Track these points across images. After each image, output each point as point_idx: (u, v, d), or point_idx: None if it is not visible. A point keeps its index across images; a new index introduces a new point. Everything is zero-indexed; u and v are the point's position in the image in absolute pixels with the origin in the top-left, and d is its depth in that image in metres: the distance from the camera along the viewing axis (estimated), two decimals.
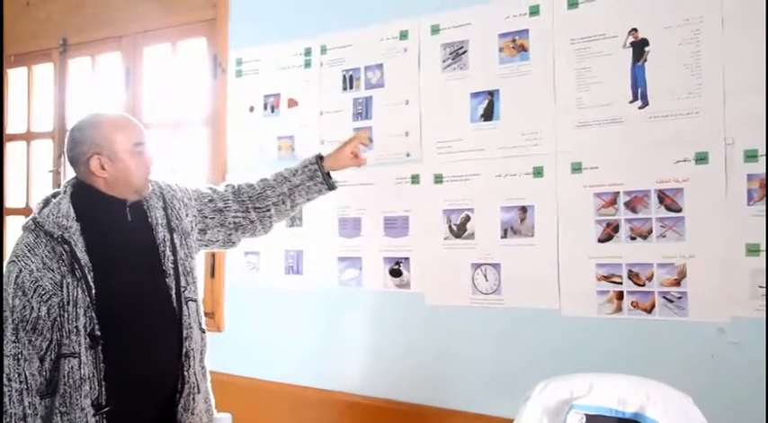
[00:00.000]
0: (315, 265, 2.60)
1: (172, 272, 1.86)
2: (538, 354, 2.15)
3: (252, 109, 2.78)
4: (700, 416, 1.50)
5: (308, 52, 2.64)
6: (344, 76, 2.55)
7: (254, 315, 2.76)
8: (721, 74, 1.91)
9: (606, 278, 2.05)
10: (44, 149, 3.54)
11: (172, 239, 1.90)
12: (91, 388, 1.69)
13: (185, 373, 1.86)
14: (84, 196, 1.80)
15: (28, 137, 3.61)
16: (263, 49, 2.76)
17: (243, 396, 2.62)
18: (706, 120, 1.92)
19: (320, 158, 2.08)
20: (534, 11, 2.19)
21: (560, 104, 2.14)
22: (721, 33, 1.91)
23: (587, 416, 1.56)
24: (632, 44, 2.04)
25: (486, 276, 2.25)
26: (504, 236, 2.22)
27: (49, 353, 1.68)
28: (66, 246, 1.69)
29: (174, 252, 1.89)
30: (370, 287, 2.47)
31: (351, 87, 2.53)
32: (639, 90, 2.02)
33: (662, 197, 1.98)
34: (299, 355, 2.61)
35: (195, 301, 1.94)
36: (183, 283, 1.88)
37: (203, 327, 1.97)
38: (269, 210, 2.07)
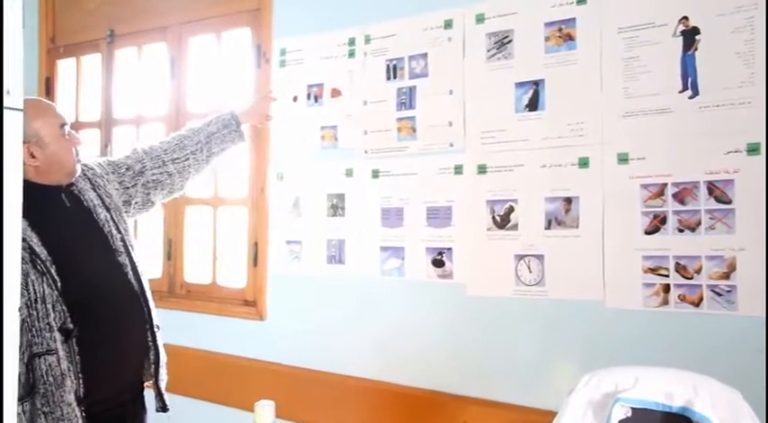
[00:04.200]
0: (357, 255, 2.61)
1: (123, 249, 1.91)
2: (582, 346, 2.13)
3: (295, 99, 2.78)
4: (749, 411, 1.47)
5: (351, 42, 2.64)
6: (388, 66, 2.54)
7: (297, 304, 2.77)
8: None
9: (652, 270, 2.02)
10: (92, 138, 3.60)
11: (112, 218, 1.94)
12: (71, 382, 1.69)
13: (158, 343, 1.96)
14: None
15: (76, 126, 3.65)
16: (307, 39, 2.76)
17: (285, 384, 2.65)
18: (758, 110, 1.87)
19: (234, 111, 2.28)
20: None
21: (607, 94, 2.11)
22: None
23: (633, 409, 1.54)
24: (682, 32, 1.99)
25: (529, 268, 2.23)
26: (549, 227, 2.20)
27: (21, 358, 1.61)
28: (23, 243, 1.63)
29: (118, 229, 1.93)
30: (412, 277, 2.46)
31: (394, 77, 2.53)
32: (689, 79, 1.98)
33: (711, 188, 1.94)
34: (340, 344, 2.62)
35: (144, 273, 2.00)
36: (135, 258, 1.94)
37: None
38: (187, 159, 2.14)
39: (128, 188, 2.05)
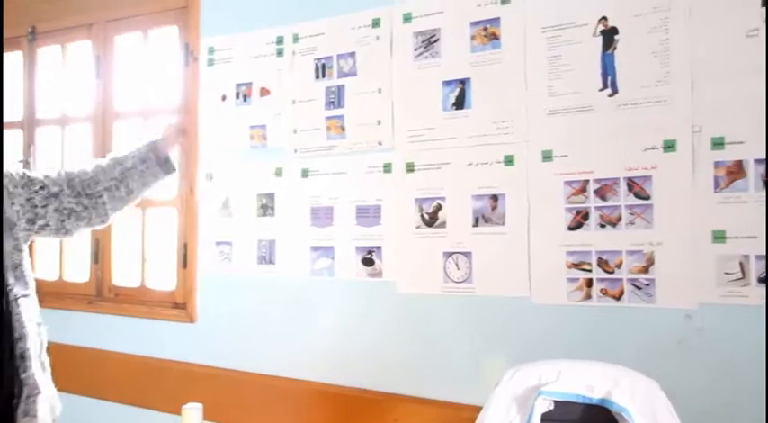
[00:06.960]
0: (287, 255, 2.59)
1: None
2: (510, 341, 2.15)
3: (224, 98, 2.75)
4: (665, 400, 1.52)
5: (280, 41, 2.62)
6: (317, 65, 2.53)
7: (227, 305, 2.74)
8: (689, 62, 1.92)
9: (576, 266, 2.06)
10: (14, 139, 3.49)
11: None
12: None
13: (22, 375, 1.75)
14: None
15: None
16: (235, 38, 2.73)
17: (214, 386, 2.62)
18: (674, 108, 1.93)
19: (156, 142, 2.04)
20: None
21: (531, 92, 2.14)
22: (689, 21, 1.92)
23: (555, 402, 1.58)
24: (602, 32, 2.04)
25: (457, 265, 2.25)
26: (476, 224, 2.22)
27: None
28: None
29: None
30: (342, 276, 2.46)
31: (323, 76, 2.52)
32: (609, 78, 2.02)
33: (631, 185, 1.99)
34: (271, 344, 2.60)
35: (27, 296, 1.81)
36: (10, 280, 1.76)
37: (39, 320, 1.85)
38: (101, 196, 1.97)
39: (36, 207, 1.88)
